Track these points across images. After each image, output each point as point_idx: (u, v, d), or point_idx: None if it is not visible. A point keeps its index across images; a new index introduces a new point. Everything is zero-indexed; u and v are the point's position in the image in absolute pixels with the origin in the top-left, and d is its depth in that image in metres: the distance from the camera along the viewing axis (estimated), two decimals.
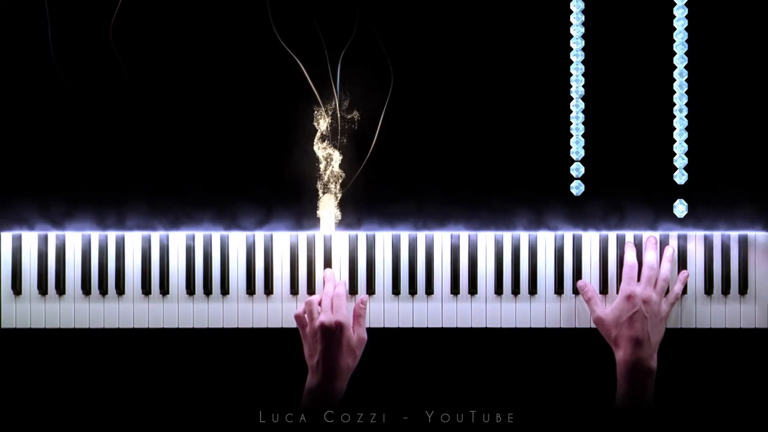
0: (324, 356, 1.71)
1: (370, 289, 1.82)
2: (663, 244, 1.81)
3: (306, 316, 1.76)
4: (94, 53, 1.84)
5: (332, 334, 1.72)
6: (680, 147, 1.82)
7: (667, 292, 1.78)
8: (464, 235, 1.83)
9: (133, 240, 1.83)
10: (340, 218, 1.83)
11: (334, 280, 1.79)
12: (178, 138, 1.84)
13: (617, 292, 1.78)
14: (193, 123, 1.84)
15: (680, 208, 1.82)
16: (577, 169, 1.83)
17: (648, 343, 1.71)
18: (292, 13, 1.84)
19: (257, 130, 1.84)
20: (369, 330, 1.80)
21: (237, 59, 1.84)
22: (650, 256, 1.78)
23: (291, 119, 1.84)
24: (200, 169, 1.84)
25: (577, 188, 1.83)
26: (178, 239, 1.83)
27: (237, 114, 1.84)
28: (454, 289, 1.82)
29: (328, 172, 1.83)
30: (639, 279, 1.77)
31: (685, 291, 1.81)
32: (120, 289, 1.83)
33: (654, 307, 1.74)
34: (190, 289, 1.83)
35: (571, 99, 1.83)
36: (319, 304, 1.76)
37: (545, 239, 1.83)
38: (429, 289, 1.83)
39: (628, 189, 1.83)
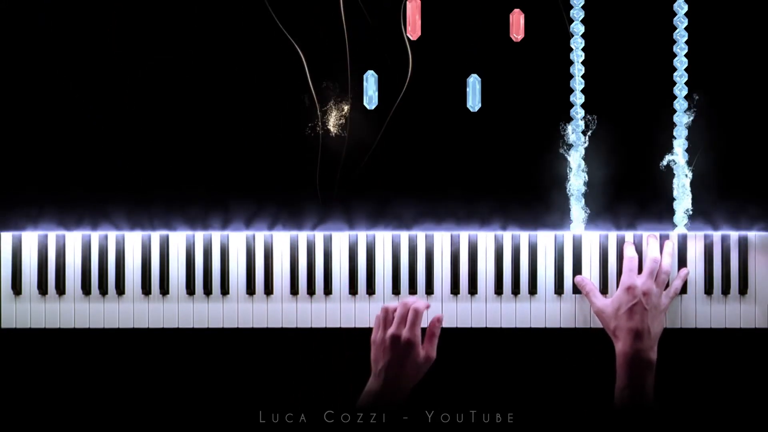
0: (388, 367, 1.70)
1: (370, 289, 1.82)
2: (663, 243, 1.81)
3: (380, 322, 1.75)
4: (95, 53, 1.83)
5: (401, 348, 1.71)
6: (680, 147, 1.82)
7: (667, 286, 1.78)
8: (464, 235, 1.83)
9: (133, 240, 1.83)
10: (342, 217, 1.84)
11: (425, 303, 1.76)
12: (179, 138, 1.84)
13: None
14: (193, 123, 1.84)
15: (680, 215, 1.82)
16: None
17: (648, 335, 1.71)
18: (292, 10, 1.84)
19: (256, 130, 1.84)
20: (369, 330, 1.80)
21: (237, 58, 1.83)
22: (653, 249, 1.78)
23: (293, 118, 1.84)
24: (201, 169, 1.83)
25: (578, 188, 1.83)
26: (178, 239, 1.83)
27: (236, 114, 1.84)
28: (454, 289, 1.82)
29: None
30: (640, 271, 1.77)
31: (684, 291, 1.81)
32: (120, 289, 1.83)
33: (654, 299, 1.74)
34: (190, 289, 1.83)
35: (571, 105, 1.83)
36: (394, 311, 1.75)
37: (545, 239, 1.83)
38: (429, 289, 1.83)
39: (629, 189, 1.83)
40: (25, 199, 1.83)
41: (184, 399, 1.86)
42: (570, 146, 1.83)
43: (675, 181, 1.82)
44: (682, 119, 1.82)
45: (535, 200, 1.83)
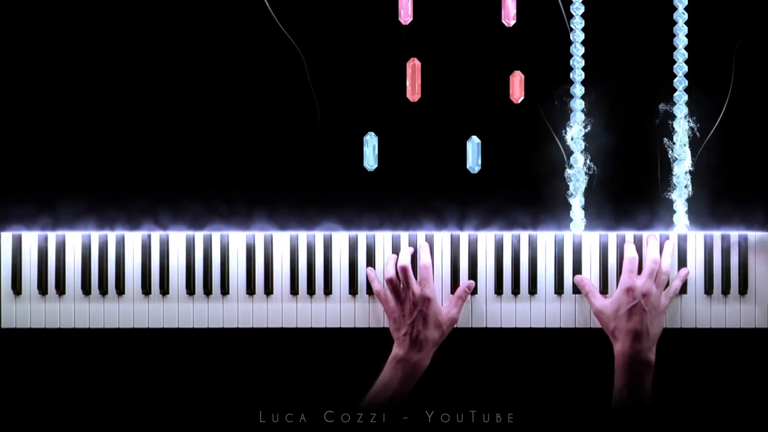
0: (411, 327, 1.74)
1: (370, 289, 1.82)
2: (662, 243, 1.81)
3: (400, 283, 1.77)
4: (95, 53, 1.83)
5: (420, 306, 1.75)
6: (680, 146, 1.82)
7: (667, 286, 1.78)
8: (464, 236, 1.83)
9: (133, 240, 1.83)
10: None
11: (427, 251, 1.80)
12: (178, 138, 1.83)
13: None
14: (192, 123, 1.84)
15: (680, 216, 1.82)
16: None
17: (647, 337, 1.71)
18: (294, 10, 1.84)
19: (255, 130, 1.84)
20: (369, 330, 1.80)
21: (238, 58, 1.83)
22: (653, 250, 1.78)
23: (292, 118, 1.84)
24: (201, 169, 1.83)
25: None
26: (178, 239, 1.83)
27: (235, 114, 1.84)
28: (455, 289, 1.82)
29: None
30: (639, 272, 1.77)
31: (684, 291, 1.81)
32: (120, 289, 1.83)
33: (653, 300, 1.74)
34: (190, 289, 1.83)
35: (572, 110, 1.84)
36: (397, 279, 1.77)
37: (545, 239, 1.83)
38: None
39: (629, 189, 1.83)
40: (25, 199, 1.83)
41: (184, 399, 1.86)
42: (570, 146, 1.83)
43: (675, 180, 1.82)
44: (682, 120, 1.82)
45: (535, 200, 1.83)
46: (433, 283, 1.78)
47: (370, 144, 1.82)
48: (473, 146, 1.83)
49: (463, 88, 1.83)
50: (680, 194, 1.82)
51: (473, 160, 1.84)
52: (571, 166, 1.83)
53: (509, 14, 1.82)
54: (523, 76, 1.82)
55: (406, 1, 1.82)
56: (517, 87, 1.81)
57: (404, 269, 1.77)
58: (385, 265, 1.80)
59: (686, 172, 1.82)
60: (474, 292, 1.82)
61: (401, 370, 1.72)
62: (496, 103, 1.83)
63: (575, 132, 1.83)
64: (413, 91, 1.82)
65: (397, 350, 1.74)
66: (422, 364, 1.74)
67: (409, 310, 1.75)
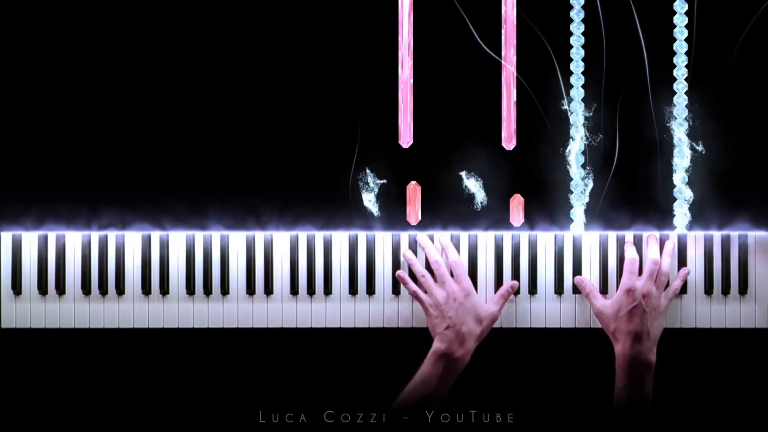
0: (453, 321, 1.73)
1: (370, 289, 1.82)
2: (663, 243, 1.81)
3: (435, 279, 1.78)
4: (94, 53, 1.83)
5: (461, 300, 1.75)
6: (680, 147, 1.82)
7: (667, 286, 1.78)
8: (464, 236, 1.83)
9: (133, 240, 1.83)
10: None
11: (453, 248, 1.80)
12: (179, 138, 1.83)
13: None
14: (193, 123, 1.83)
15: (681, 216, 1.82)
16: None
17: (647, 338, 1.71)
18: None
19: (254, 130, 1.84)
20: (369, 330, 1.80)
21: (238, 58, 1.83)
22: (653, 251, 1.78)
23: (292, 118, 1.84)
24: (202, 169, 1.83)
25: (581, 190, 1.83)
26: (178, 239, 1.83)
27: (235, 114, 1.84)
28: None
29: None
30: (640, 273, 1.77)
31: (684, 290, 1.81)
32: (120, 289, 1.83)
33: (654, 301, 1.74)
34: (190, 289, 1.83)
35: (570, 111, 1.84)
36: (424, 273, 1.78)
37: (545, 239, 1.83)
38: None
39: (629, 189, 1.83)
40: (25, 199, 1.83)
41: (184, 399, 1.86)
42: (570, 146, 1.83)
43: (675, 180, 1.82)
44: (682, 120, 1.82)
45: (534, 200, 1.83)
46: (468, 277, 1.78)
47: None
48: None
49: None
50: (680, 194, 1.82)
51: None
52: (571, 166, 1.83)
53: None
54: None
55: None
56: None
57: (437, 264, 1.77)
58: (412, 266, 1.79)
59: (686, 173, 1.82)
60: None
61: (443, 365, 1.71)
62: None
63: (575, 132, 1.83)
64: (414, 216, 1.83)
65: (438, 345, 1.73)
66: (464, 360, 1.73)
67: (450, 304, 1.75)
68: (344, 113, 1.83)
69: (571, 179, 1.83)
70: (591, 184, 1.83)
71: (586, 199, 1.83)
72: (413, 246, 1.82)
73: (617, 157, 1.83)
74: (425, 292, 1.77)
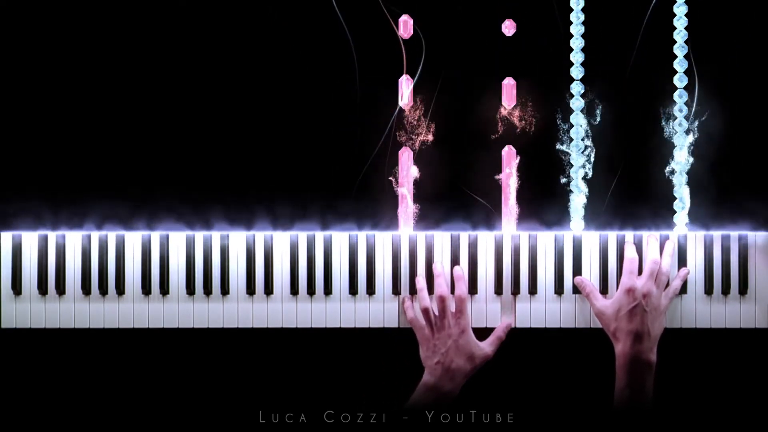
0: (444, 357, 1.75)
1: (370, 289, 1.82)
2: (662, 243, 1.81)
3: (436, 312, 1.79)
4: (94, 53, 1.83)
5: (455, 337, 1.76)
6: (681, 147, 1.82)
7: (667, 286, 1.78)
8: (464, 236, 1.83)
9: (133, 240, 1.83)
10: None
11: (465, 279, 1.81)
12: (179, 138, 1.84)
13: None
14: (193, 123, 1.84)
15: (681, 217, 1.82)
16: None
17: (648, 337, 1.71)
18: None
19: (254, 130, 1.84)
20: (369, 330, 1.80)
21: (238, 59, 1.83)
22: (653, 250, 1.78)
23: (292, 118, 1.84)
24: (201, 170, 1.83)
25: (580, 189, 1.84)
26: (178, 239, 1.83)
27: (234, 114, 1.84)
28: (453, 289, 1.82)
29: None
30: (640, 273, 1.77)
31: (684, 290, 1.82)
32: (120, 289, 1.83)
33: (654, 301, 1.74)
34: (190, 289, 1.83)
35: (571, 111, 1.84)
36: (432, 309, 1.79)
37: (545, 239, 1.83)
38: (430, 289, 1.82)
39: (629, 189, 1.83)
40: (25, 199, 1.83)
41: (184, 399, 1.86)
42: (570, 147, 1.83)
43: (675, 180, 1.82)
44: (682, 120, 1.82)
45: (534, 200, 1.83)
46: (469, 315, 1.79)
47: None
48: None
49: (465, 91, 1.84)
50: (680, 194, 1.82)
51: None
52: (571, 165, 1.83)
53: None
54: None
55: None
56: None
57: (442, 299, 1.78)
58: (419, 293, 1.80)
59: (686, 173, 1.82)
60: (474, 291, 1.82)
61: (431, 397, 1.74)
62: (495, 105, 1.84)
63: (576, 132, 1.83)
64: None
65: (428, 378, 1.75)
66: (453, 393, 1.75)
67: (443, 340, 1.76)
68: (344, 113, 1.83)
69: (572, 179, 1.83)
70: (591, 185, 1.83)
71: (586, 199, 1.83)
72: (413, 246, 1.82)
73: (617, 157, 1.83)
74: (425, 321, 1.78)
